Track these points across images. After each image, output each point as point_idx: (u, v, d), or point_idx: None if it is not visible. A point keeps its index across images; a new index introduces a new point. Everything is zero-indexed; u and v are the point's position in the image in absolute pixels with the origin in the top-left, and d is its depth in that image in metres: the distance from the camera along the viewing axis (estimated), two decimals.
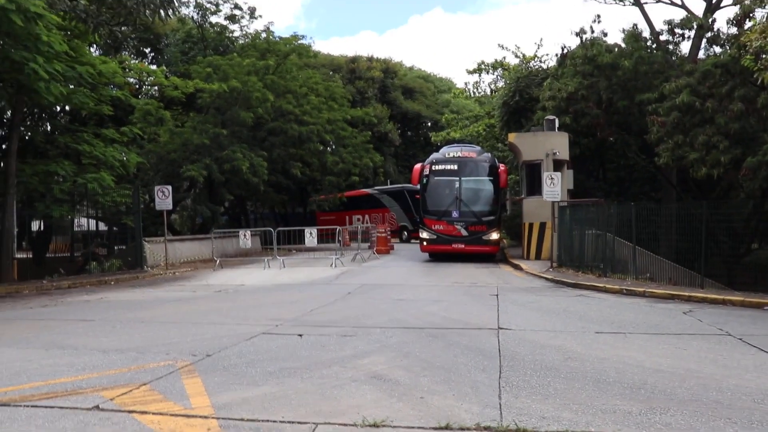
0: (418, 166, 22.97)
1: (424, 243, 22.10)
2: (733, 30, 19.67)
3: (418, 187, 22.71)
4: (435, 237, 21.59)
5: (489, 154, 23.48)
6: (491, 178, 21.73)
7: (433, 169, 22.04)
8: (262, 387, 5.77)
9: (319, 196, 38.19)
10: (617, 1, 26.54)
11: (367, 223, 37.21)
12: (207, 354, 7.20)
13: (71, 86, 18.20)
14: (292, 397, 5.43)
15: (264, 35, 35.37)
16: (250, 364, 6.70)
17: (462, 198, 21.37)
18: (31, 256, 24.51)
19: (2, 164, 20.53)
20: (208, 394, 5.52)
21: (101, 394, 5.59)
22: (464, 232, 21.25)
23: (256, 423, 4.77)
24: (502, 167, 22.54)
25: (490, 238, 21.37)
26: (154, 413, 5.02)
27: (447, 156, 22.45)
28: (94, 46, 25.66)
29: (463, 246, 21.25)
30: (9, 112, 20.66)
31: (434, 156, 22.99)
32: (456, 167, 21.78)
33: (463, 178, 21.61)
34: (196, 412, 5.02)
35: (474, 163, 21.96)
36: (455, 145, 26.72)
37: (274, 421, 4.80)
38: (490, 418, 4.87)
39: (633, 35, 21.94)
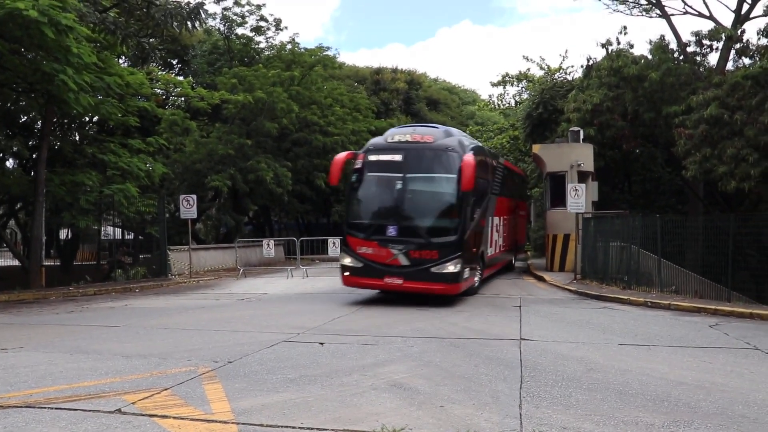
0: (341, 155, 14.57)
1: (346, 273, 13.56)
2: (764, 41, 19.49)
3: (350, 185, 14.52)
4: (360, 265, 13.20)
5: (458, 139, 14.22)
6: (454, 176, 13.02)
7: (368, 160, 13.86)
8: (282, 393, 5.79)
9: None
10: (644, 14, 26.48)
11: None
12: (228, 360, 7.24)
13: (99, 97, 18.52)
14: (312, 403, 5.44)
15: (289, 47, 35.70)
16: (271, 371, 6.72)
17: (404, 206, 13.38)
18: (58, 263, 24.93)
19: (32, 173, 20.92)
20: (228, 400, 5.55)
21: (123, 398, 5.65)
22: (403, 260, 12.79)
23: (275, 429, 4.79)
24: (468, 158, 12.82)
25: (444, 270, 12.66)
26: (174, 417, 5.06)
27: (389, 141, 14.04)
28: (123, 57, 26.06)
29: (400, 281, 12.85)
30: (39, 122, 21.07)
31: (373, 141, 14.78)
32: (400, 158, 13.50)
33: (408, 176, 13.44)
34: (216, 417, 5.05)
35: (430, 151, 13.53)
36: (407, 125, 17.31)
37: (294, 427, 4.81)
38: (510, 428, 4.84)
39: (660, 47, 21.74)
